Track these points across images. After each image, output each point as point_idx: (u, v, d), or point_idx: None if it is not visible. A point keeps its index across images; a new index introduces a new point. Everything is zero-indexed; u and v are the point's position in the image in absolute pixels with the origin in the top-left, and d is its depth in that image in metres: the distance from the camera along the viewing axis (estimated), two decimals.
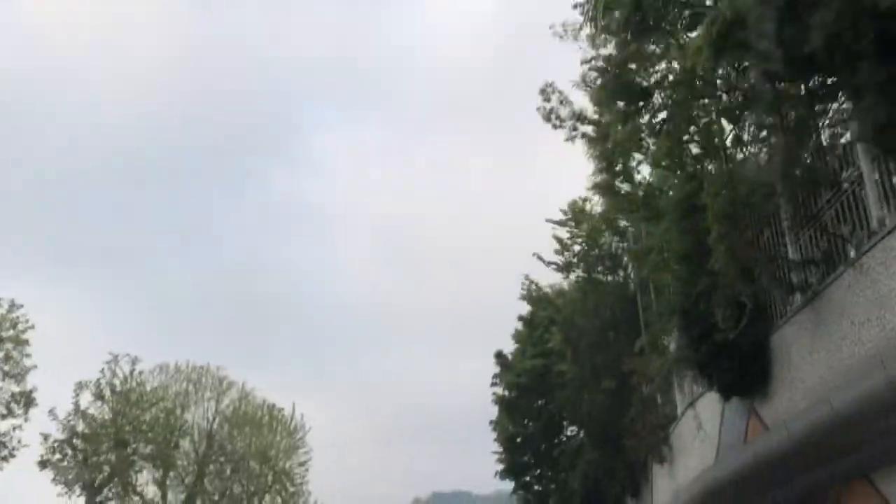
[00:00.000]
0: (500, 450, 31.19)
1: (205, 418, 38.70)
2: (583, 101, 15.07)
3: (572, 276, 23.71)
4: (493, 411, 31.58)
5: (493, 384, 31.89)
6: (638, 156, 14.74)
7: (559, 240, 24.00)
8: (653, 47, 13.00)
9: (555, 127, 15.20)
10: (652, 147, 13.79)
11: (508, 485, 39.30)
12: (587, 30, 13.96)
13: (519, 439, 30.63)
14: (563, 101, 15.13)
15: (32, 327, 28.78)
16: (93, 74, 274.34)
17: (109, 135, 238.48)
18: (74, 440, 31.07)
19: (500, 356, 30.74)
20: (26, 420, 28.73)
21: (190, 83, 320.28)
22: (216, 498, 38.68)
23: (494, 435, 31.61)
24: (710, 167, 12.78)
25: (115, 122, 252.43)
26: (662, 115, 13.29)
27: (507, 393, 29.70)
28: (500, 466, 31.34)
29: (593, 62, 13.82)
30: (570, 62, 13.92)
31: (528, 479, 30.73)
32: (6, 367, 27.52)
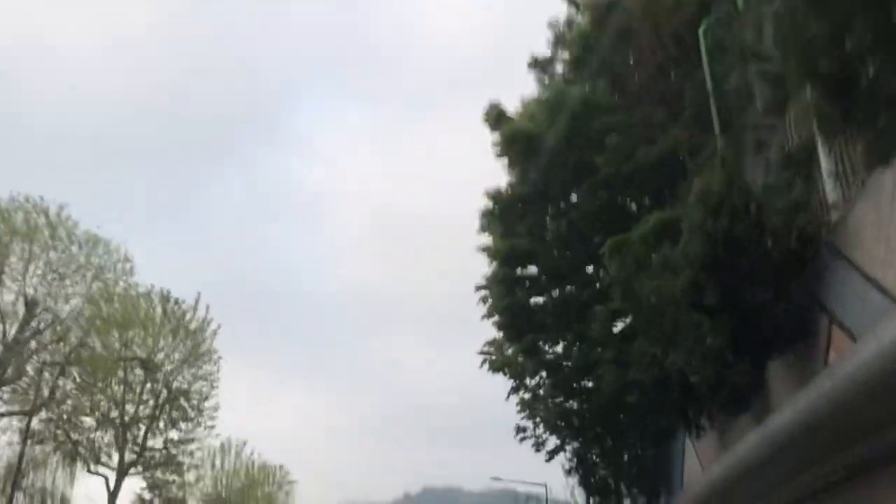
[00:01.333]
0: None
1: (23, 277, 24.56)
2: None
3: None
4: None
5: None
6: None
7: None
8: None
9: None
10: None
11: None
12: None
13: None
14: None
15: None
16: (79, 52, 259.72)
17: (95, 112, 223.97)
18: None
19: (493, 108, 16.90)
20: None
21: (179, 64, 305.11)
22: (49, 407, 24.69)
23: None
24: None
25: (103, 102, 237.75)
26: None
27: (506, 158, 15.91)
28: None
29: None
30: None
31: (538, 340, 17.03)
32: None
